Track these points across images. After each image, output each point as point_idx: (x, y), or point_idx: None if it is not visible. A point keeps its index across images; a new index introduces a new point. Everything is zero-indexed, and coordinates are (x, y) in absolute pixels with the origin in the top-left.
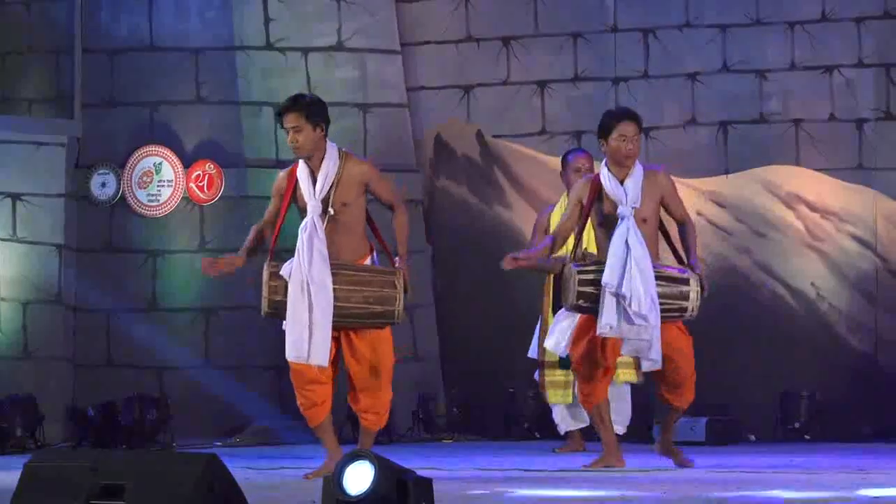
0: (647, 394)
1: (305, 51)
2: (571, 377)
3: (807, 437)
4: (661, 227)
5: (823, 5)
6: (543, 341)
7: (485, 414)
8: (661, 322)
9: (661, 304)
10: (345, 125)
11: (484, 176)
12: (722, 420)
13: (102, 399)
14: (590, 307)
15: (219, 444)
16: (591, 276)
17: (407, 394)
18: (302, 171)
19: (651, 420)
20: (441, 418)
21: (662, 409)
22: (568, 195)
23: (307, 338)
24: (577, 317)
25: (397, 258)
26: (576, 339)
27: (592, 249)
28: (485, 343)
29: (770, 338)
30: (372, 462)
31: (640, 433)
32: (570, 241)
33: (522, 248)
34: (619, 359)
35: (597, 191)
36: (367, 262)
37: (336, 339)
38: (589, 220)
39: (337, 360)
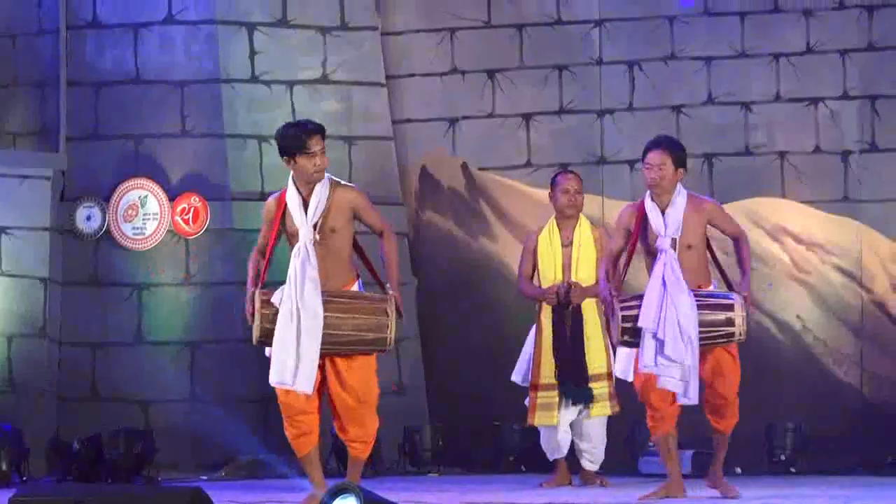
0: (631, 427)
1: (291, 84)
2: (556, 400)
3: (793, 469)
4: (711, 250)
5: (808, 37)
6: (539, 365)
7: (471, 447)
8: (710, 347)
9: (707, 331)
10: (330, 157)
11: (469, 208)
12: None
13: (87, 433)
14: (635, 342)
15: (204, 477)
16: (633, 312)
17: (392, 427)
18: (292, 197)
19: (636, 452)
20: (427, 451)
21: (709, 437)
22: (556, 218)
23: (293, 364)
24: None
25: (388, 285)
26: (637, 370)
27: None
28: (470, 376)
29: (756, 370)
30: (357, 496)
31: (625, 464)
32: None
33: (508, 280)
34: (596, 391)
35: (642, 219)
36: (354, 288)
37: (321, 367)
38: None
39: (322, 388)
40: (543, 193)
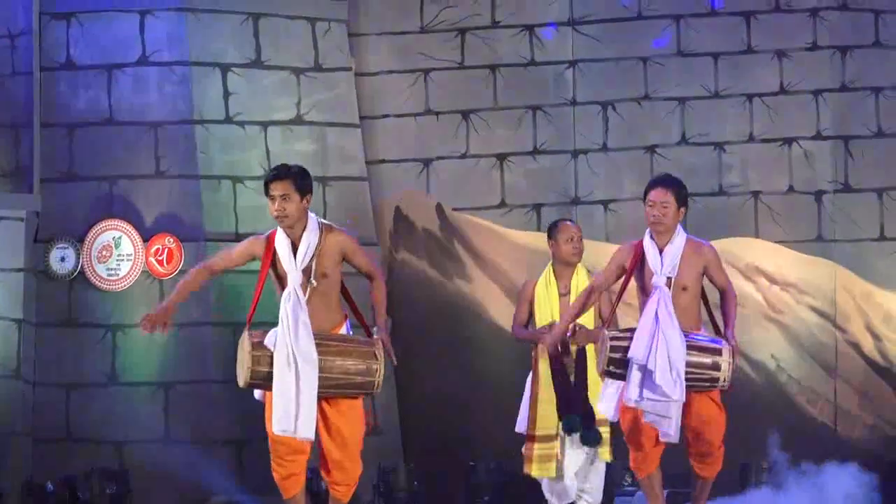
0: (607, 466)
1: (265, 124)
2: (556, 451)
3: None
4: (704, 296)
5: (782, 78)
6: (536, 415)
7: (445, 487)
8: (693, 392)
9: (692, 373)
10: None
11: (443, 249)
12: (682, 492)
13: (62, 474)
14: (620, 374)
15: None
16: (622, 344)
17: (367, 466)
18: (281, 240)
19: (614, 491)
20: (401, 491)
21: (691, 479)
22: (553, 265)
23: (294, 411)
24: (622, 384)
25: (375, 328)
26: (623, 408)
27: (589, 324)
28: (445, 415)
29: (730, 408)
30: None
31: None
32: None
33: (482, 320)
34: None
35: (639, 257)
36: (342, 330)
37: None
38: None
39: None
40: (517, 234)
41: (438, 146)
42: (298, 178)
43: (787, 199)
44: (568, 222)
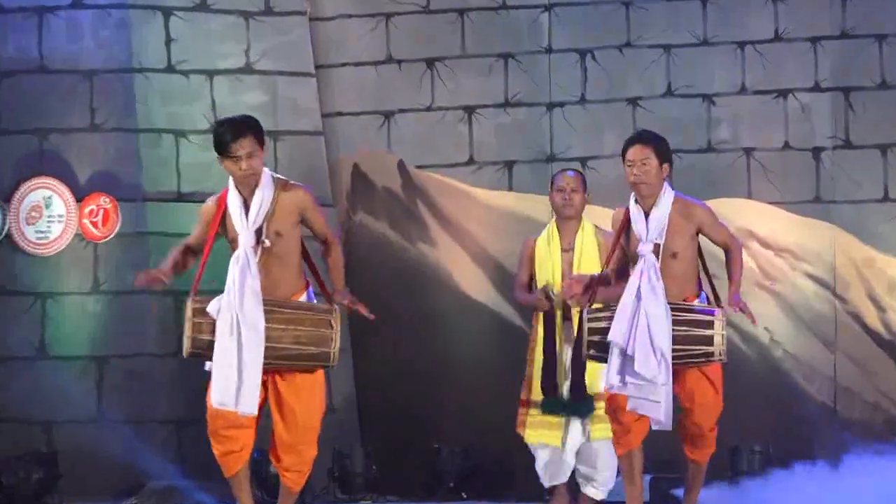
0: None
1: (210, 73)
2: (557, 419)
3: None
4: (702, 256)
5: (776, 24)
6: (532, 379)
7: (407, 471)
8: (686, 368)
9: (680, 350)
10: None
11: (406, 210)
12: (667, 478)
13: None
14: (601, 357)
15: None
16: (601, 325)
17: (321, 449)
18: (233, 198)
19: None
20: (358, 476)
21: (684, 465)
22: (555, 220)
23: (235, 383)
24: None
25: (335, 294)
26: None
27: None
28: (406, 394)
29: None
30: None
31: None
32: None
33: (448, 289)
34: (595, 412)
35: (626, 223)
36: (303, 297)
37: (263, 384)
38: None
39: (262, 405)
40: (487, 194)
41: (401, 98)
42: (258, 131)
43: (782, 157)
44: (567, 172)
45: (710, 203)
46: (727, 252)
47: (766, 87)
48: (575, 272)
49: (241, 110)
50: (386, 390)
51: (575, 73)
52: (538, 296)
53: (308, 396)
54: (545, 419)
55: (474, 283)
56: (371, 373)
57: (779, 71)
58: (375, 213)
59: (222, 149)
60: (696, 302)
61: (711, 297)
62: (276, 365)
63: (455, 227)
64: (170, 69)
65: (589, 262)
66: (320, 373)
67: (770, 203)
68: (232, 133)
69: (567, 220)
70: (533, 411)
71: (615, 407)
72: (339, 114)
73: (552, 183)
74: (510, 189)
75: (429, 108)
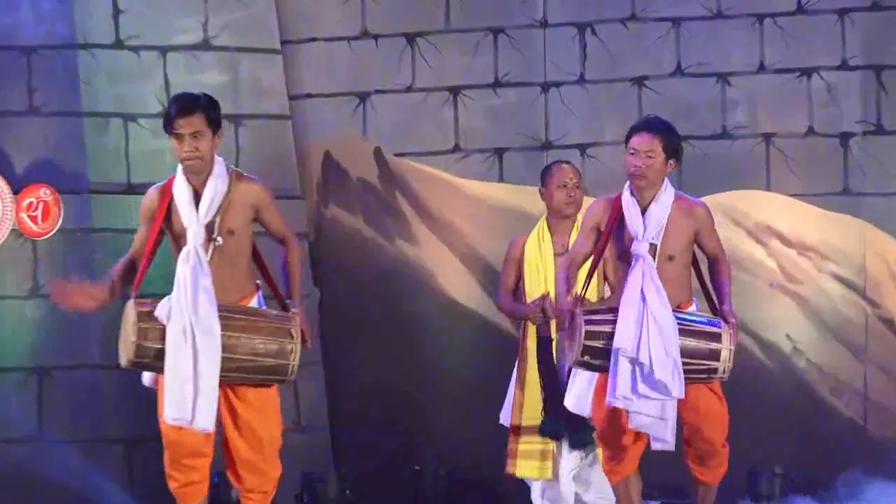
0: None
1: (163, 50)
2: (551, 447)
3: None
4: (695, 260)
5: None
6: (522, 402)
7: (386, 497)
8: (687, 382)
9: (686, 363)
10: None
11: (384, 204)
12: None
13: None
14: (598, 365)
15: None
16: (601, 328)
17: (289, 472)
18: (181, 188)
19: None
20: (331, 503)
21: (690, 487)
22: (547, 218)
23: (191, 395)
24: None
25: (290, 302)
26: (597, 401)
27: (592, 298)
28: (386, 409)
29: (736, 401)
30: None
31: None
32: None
33: (432, 292)
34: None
35: (618, 216)
36: (252, 302)
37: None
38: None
39: (217, 424)
40: (475, 185)
41: (378, 77)
42: (210, 110)
43: (805, 144)
44: (564, 165)
45: (725, 196)
46: (716, 262)
47: (787, 65)
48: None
49: (197, 91)
50: (362, 406)
51: (573, 50)
52: (532, 309)
53: (265, 408)
54: (531, 448)
55: (461, 286)
56: (345, 387)
57: (802, 47)
58: (349, 206)
59: (166, 123)
60: (691, 309)
61: (706, 307)
62: (231, 378)
63: (439, 223)
64: (118, 45)
65: (586, 267)
66: (275, 388)
67: (792, 196)
68: (178, 107)
69: (563, 220)
70: (523, 439)
71: (614, 428)
72: (309, 95)
73: (549, 177)
74: (501, 180)
75: (409, 89)
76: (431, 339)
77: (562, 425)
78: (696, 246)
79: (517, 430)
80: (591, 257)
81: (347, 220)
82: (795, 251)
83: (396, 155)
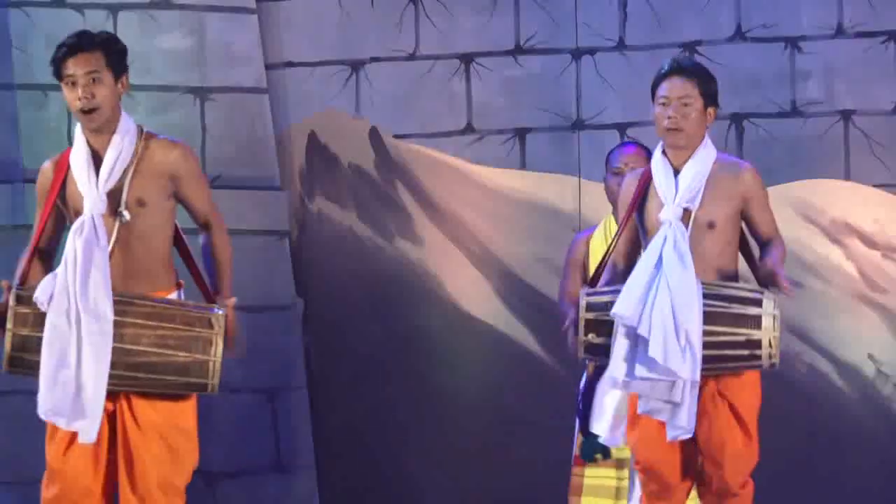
0: None
1: (114, 8)
2: (626, 482)
3: None
4: (744, 243)
5: None
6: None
7: None
8: (719, 375)
9: (715, 341)
10: (172, 118)
11: (381, 195)
12: None
13: None
14: (603, 347)
15: None
16: (603, 299)
17: None
18: (79, 150)
19: None
20: None
21: None
22: (614, 213)
23: (72, 388)
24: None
25: (217, 297)
26: (632, 421)
27: None
28: (380, 444)
29: (805, 434)
30: None
31: None
32: None
33: (438, 301)
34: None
35: (646, 184)
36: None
37: (106, 411)
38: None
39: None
40: (491, 173)
41: (374, 43)
42: (112, 48)
43: (892, 123)
44: (627, 147)
45: (794, 186)
46: (768, 244)
47: (870, 27)
48: None
49: (155, 59)
50: (353, 442)
51: (611, 9)
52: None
53: (167, 432)
54: (597, 483)
55: (474, 296)
56: (333, 418)
57: (889, 6)
58: (340, 198)
59: (55, 69)
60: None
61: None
62: (129, 382)
63: (447, 219)
64: (59, 3)
65: (600, 253)
66: (191, 400)
67: (876, 186)
68: (69, 46)
69: None
70: (588, 471)
71: (654, 464)
72: (290, 64)
73: (607, 163)
74: (522, 167)
75: (412, 57)
76: (437, 358)
77: (600, 444)
78: (743, 224)
79: (580, 461)
80: (613, 239)
81: (337, 215)
82: (880, 253)
83: (396, 137)
